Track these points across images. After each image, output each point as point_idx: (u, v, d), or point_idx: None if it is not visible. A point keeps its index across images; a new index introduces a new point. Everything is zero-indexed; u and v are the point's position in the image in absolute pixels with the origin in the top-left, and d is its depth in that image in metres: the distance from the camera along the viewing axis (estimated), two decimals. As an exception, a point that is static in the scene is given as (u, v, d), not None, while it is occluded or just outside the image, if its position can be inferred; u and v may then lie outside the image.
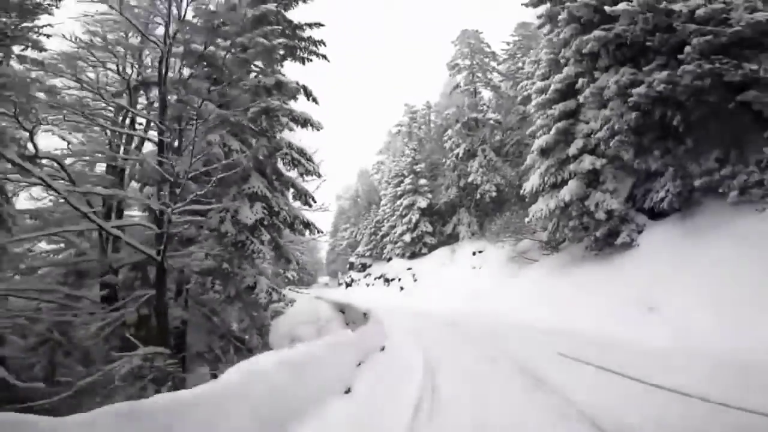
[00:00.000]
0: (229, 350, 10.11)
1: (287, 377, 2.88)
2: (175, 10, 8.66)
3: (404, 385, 4.67)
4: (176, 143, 7.87)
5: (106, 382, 6.48)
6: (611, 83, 8.55)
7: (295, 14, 15.31)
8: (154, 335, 8.02)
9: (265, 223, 8.81)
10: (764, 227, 6.56)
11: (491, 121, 28.23)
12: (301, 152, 10.21)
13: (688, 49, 7.43)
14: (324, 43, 12.98)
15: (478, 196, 26.39)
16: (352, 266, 39.45)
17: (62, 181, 7.45)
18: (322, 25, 13.13)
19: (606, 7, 8.33)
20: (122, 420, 1.93)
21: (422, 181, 30.49)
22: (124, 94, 9.09)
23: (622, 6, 8.25)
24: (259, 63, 11.63)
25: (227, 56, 9.45)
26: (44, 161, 7.93)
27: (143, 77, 9.26)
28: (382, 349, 6.92)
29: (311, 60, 12.92)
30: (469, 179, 26.83)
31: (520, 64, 30.46)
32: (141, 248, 6.38)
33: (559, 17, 9.79)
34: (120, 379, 6.35)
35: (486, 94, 31.50)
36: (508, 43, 33.23)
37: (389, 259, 31.81)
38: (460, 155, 28.01)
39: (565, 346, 6.53)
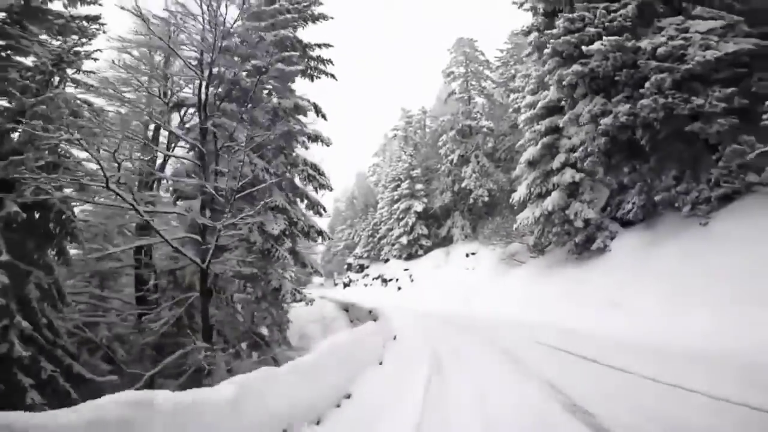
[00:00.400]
0: (248, 345, 11.36)
1: (348, 350, 4.37)
2: (210, 39, 9.85)
3: (418, 359, 6.19)
4: (213, 163, 9.06)
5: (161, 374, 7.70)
6: (585, 112, 9.98)
7: (303, 32, 16.54)
8: (189, 332, 9.24)
9: (287, 233, 10.06)
10: (706, 240, 7.98)
11: (484, 129, 29.59)
12: (315, 168, 11.49)
13: (647, 84, 8.85)
14: (332, 62, 14.18)
15: (472, 200, 27.83)
16: (350, 267, 40.68)
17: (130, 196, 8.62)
18: (331, 46, 14.35)
19: (583, 47, 9.74)
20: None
21: (418, 186, 31.83)
22: (162, 115, 10.29)
23: (595, 46, 9.66)
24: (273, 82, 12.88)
25: (251, 80, 10.69)
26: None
27: (178, 99, 10.45)
28: (394, 338, 8.26)
29: (320, 78, 14.16)
30: (463, 184, 28.27)
31: (512, 71, 31.98)
32: (191, 258, 7.59)
33: (545, 51, 11.15)
34: (173, 369, 7.57)
35: (480, 101, 32.87)
36: (501, 51, 34.82)
37: (386, 261, 33.13)
38: (455, 161, 29.41)
39: (543, 336, 7.89)
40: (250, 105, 10.39)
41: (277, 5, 13.28)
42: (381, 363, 5.90)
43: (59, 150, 7.33)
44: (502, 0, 17.44)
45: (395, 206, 32.17)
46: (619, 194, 12.20)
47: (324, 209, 12.65)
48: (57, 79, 8.11)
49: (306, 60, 13.70)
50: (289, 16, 13.39)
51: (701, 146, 9.59)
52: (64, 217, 7.00)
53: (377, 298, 26.89)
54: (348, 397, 4.33)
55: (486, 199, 27.38)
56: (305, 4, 14.32)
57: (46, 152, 7.25)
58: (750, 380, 4.10)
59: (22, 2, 7.43)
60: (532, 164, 15.54)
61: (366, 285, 34.82)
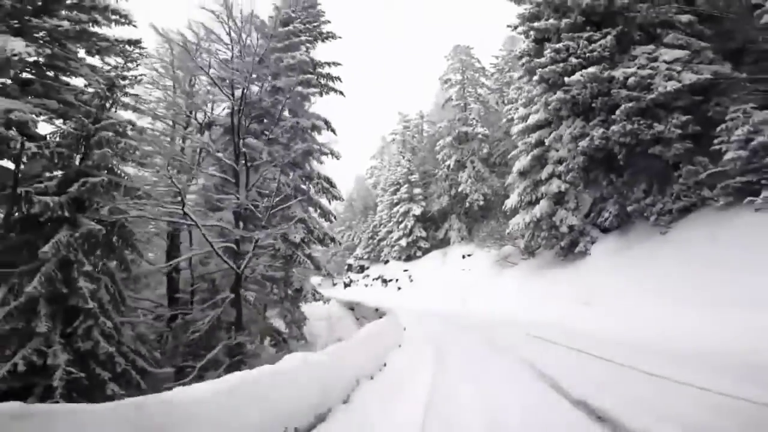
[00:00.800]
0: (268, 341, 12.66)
1: (379, 335, 5.87)
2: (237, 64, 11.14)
3: (426, 343, 7.66)
4: (243, 179, 10.36)
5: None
6: (566, 133, 11.43)
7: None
8: (225, 328, 10.55)
9: (305, 240, 11.38)
10: (666, 246, 9.43)
11: (479, 135, 30.98)
12: (329, 181, 12.84)
13: (618, 111, 10.29)
14: (340, 79, 15.42)
15: (467, 204, 29.26)
16: (350, 268, 41.98)
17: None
18: (339, 64, 15.59)
19: (565, 78, 11.17)
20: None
21: (416, 190, 33.22)
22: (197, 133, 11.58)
23: (575, 77, 11.08)
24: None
25: (271, 100, 12.03)
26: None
27: (209, 119, 11.74)
28: (405, 329, 9.66)
29: (328, 93, 15.39)
30: (460, 188, 29.70)
31: (507, 78, 33.52)
32: (229, 263, 8.89)
33: (534, 77, 12.58)
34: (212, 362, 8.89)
35: (475, 107, 34.26)
36: (496, 57, 36.36)
37: (386, 262, 34.49)
38: (451, 166, 30.82)
39: (532, 330, 9.27)
40: (272, 126, 11.69)
41: (291, 27, 14.58)
42: (400, 346, 7.39)
43: (118, 171, 8.59)
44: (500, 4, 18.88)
45: (394, 209, 33.55)
46: (600, 203, 13.65)
47: (334, 217, 14.00)
48: (110, 102, 9.31)
49: (316, 78, 14.99)
50: (303, 37, 14.71)
51: (666, 165, 11.06)
52: (125, 230, 8.28)
53: (379, 297, 28.21)
54: (384, 365, 5.94)
55: (481, 203, 28.81)
56: (315, 23, 15.66)
57: (106, 172, 8.51)
58: (686, 361, 5.50)
59: (76, 27, 8.43)
60: (522, 174, 16.98)
61: (366, 285, 36.12)
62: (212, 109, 13.12)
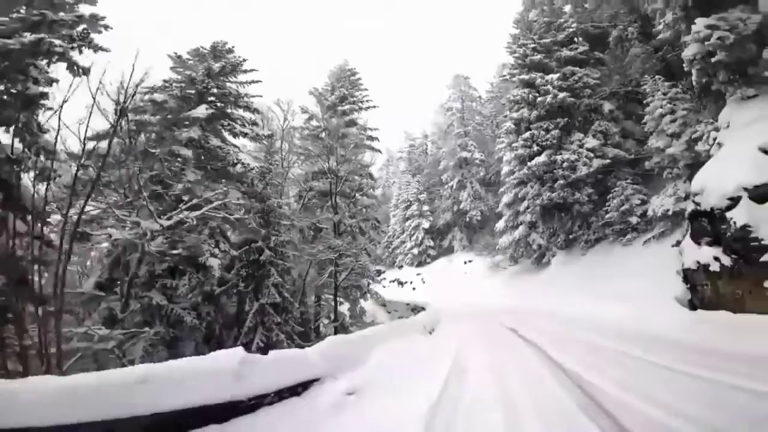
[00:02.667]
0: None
1: (434, 313, 12.74)
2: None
3: (453, 321, 14.49)
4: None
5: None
6: (529, 193, 18.40)
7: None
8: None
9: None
10: (584, 263, 16.37)
11: (477, 160, 37.93)
12: (375, 219, 19.74)
13: (556, 184, 17.26)
14: (379, 139, 22.05)
15: (468, 218, 36.24)
16: (367, 271, 48.80)
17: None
18: (377, 129, 22.28)
19: (528, 162, 18.15)
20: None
21: (425, 207, 40.21)
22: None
23: (534, 161, 18.09)
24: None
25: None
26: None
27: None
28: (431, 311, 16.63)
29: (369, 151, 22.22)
30: (461, 206, 36.70)
31: (500, 104, 40.49)
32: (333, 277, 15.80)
33: (513, 155, 19.56)
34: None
35: (473, 133, 41.16)
36: (492, 84, 43.12)
37: (401, 267, 41.41)
38: (454, 187, 37.80)
39: (516, 315, 16.15)
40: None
41: (344, 106, 21.27)
42: (439, 321, 14.07)
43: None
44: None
45: (406, 223, 40.51)
46: (555, 231, 20.67)
47: (377, 243, 20.95)
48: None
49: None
50: (352, 108, 21.21)
51: (584, 214, 18.08)
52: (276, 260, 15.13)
53: (401, 296, 35.16)
54: (433, 329, 12.52)
55: (479, 218, 35.79)
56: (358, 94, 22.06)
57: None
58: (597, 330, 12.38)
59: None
60: (508, 205, 23.95)
61: (384, 287, 42.90)
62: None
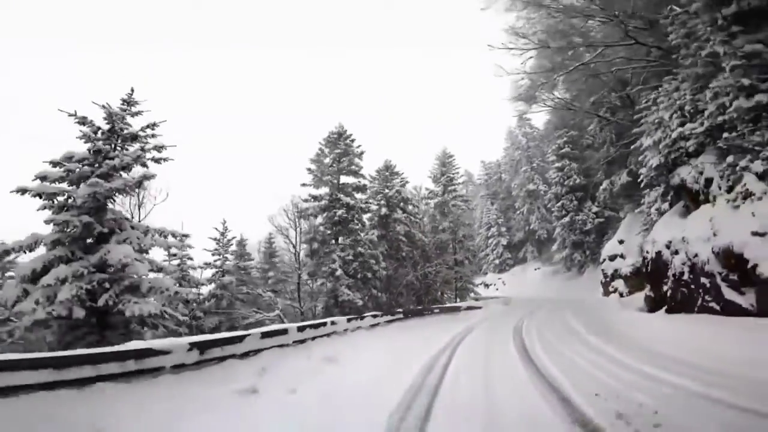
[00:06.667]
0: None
1: (505, 299, 26.63)
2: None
3: (523, 306, 28.07)
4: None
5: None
6: (563, 229, 31.11)
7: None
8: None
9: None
10: (578, 278, 28.62)
11: (541, 191, 49.73)
12: (473, 253, 33.68)
13: (573, 236, 29.80)
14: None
15: (536, 236, 48.31)
16: (458, 277, 62.67)
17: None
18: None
19: (562, 220, 30.92)
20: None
21: (503, 229, 53.07)
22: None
23: (563, 221, 30.80)
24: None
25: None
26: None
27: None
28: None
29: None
30: (531, 226, 48.86)
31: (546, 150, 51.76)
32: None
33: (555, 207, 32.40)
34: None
35: (538, 168, 52.74)
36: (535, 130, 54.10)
37: (486, 273, 54.52)
38: (524, 212, 50.13)
39: (557, 303, 28.89)
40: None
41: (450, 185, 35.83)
42: (512, 300, 27.46)
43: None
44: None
45: (489, 240, 53.69)
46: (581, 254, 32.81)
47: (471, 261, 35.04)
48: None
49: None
50: (455, 185, 35.84)
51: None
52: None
53: (487, 293, 48.55)
54: (508, 304, 26.16)
55: (545, 235, 47.69)
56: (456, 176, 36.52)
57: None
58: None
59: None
60: (558, 234, 36.38)
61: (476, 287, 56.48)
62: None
